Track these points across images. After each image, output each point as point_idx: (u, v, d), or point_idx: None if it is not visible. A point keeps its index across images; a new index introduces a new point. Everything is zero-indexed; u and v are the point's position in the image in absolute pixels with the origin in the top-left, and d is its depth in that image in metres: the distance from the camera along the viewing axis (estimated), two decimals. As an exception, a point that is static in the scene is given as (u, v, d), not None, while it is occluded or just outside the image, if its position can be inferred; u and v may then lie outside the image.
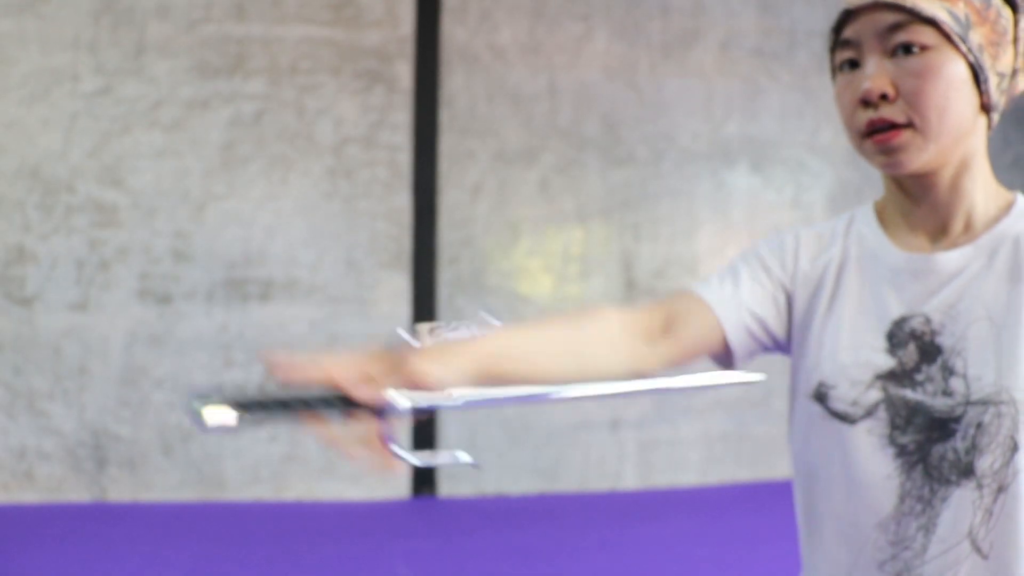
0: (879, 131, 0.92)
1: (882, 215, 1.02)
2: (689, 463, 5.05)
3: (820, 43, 5.28)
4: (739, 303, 1.01)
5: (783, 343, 1.05)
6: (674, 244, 5.06)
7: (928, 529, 0.90)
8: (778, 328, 1.04)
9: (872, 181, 5.37)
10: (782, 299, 1.03)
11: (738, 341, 1.02)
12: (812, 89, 5.24)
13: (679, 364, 1.02)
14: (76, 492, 4.46)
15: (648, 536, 4.03)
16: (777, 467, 5.16)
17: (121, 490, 4.49)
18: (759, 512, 4.48)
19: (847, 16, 0.94)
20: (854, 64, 0.94)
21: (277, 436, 4.62)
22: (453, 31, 4.85)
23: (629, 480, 4.96)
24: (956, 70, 0.90)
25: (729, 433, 5.09)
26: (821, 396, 0.98)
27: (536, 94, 4.92)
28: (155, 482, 4.52)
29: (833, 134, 5.27)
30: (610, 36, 5.01)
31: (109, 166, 4.53)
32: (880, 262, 0.98)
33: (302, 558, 3.68)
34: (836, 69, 0.97)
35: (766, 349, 1.06)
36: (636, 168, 5.02)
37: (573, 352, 0.96)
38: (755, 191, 5.17)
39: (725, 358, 1.04)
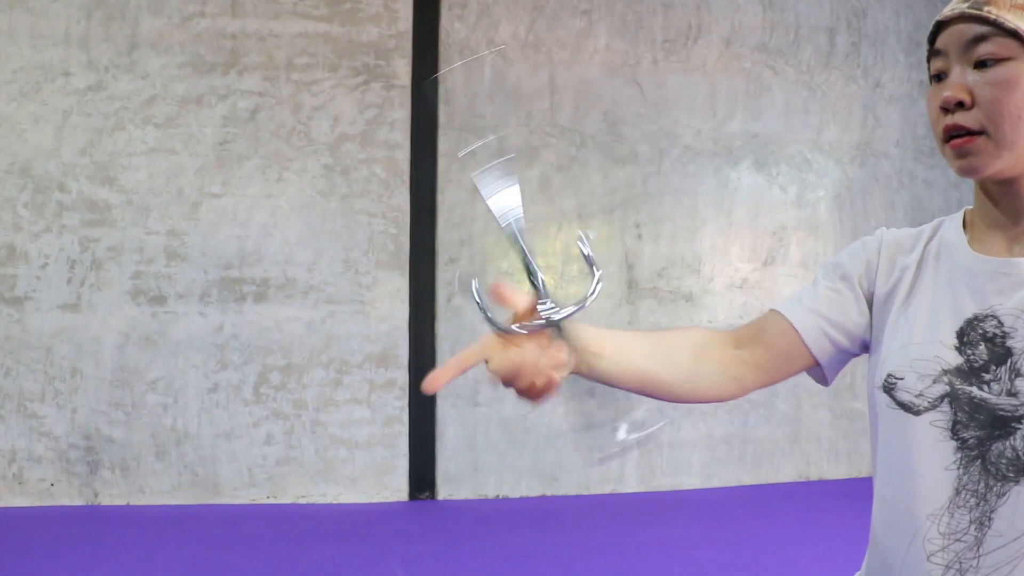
0: (955, 136, 0.96)
1: (969, 220, 1.06)
2: (691, 466, 4.99)
3: (825, 39, 5.22)
4: (813, 310, 1.08)
5: (864, 345, 1.10)
6: (676, 243, 5.00)
7: (983, 523, 0.92)
8: (860, 331, 1.08)
9: (880, 179, 5.31)
10: (863, 302, 1.08)
11: (817, 347, 1.08)
12: (817, 85, 5.18)
13: (770, 372, 1.10)
14: (68, 496, 4.40)
15: (650, 539, 3.98)
16: (780, 470, 5.11)
17: (114, 494, 4.43)
18: (762, 515, 4.44)
19: (938, 27, 0.99)
20: (944, 74, 0.99)
21: (273, 438, 4.56)
22: (452, 27, 4.79)
23: (631, 483, 4.91)
24: None
25: (732, 435, 5.04)
26: (889, 387, 1.01)
27: (536, 91, 4.86)
28: (148, 485, 4.46)
29: (838, 131, 5.21)
30: (611, 32, 4.95)
31: (101, 164, 4.47)
32: (958, 264, 1.02)
33: (298, 562, 3.64)
34: (931, 78, 1.01)
35: (851, 354, 1.11)
36: (638, 166, 4.96)
37: (676, 358, 1.09)
38: (759, 189, 5.11)
39: (815, 368, 1.11)
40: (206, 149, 4.55)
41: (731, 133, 5.07)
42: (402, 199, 4.70)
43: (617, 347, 1.07)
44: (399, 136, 4.70)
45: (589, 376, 1.07)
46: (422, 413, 4.68)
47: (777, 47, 5.15)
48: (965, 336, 0.97)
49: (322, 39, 4.66)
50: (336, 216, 4.64)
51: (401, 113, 4.70)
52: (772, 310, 1.11)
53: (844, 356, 1.10)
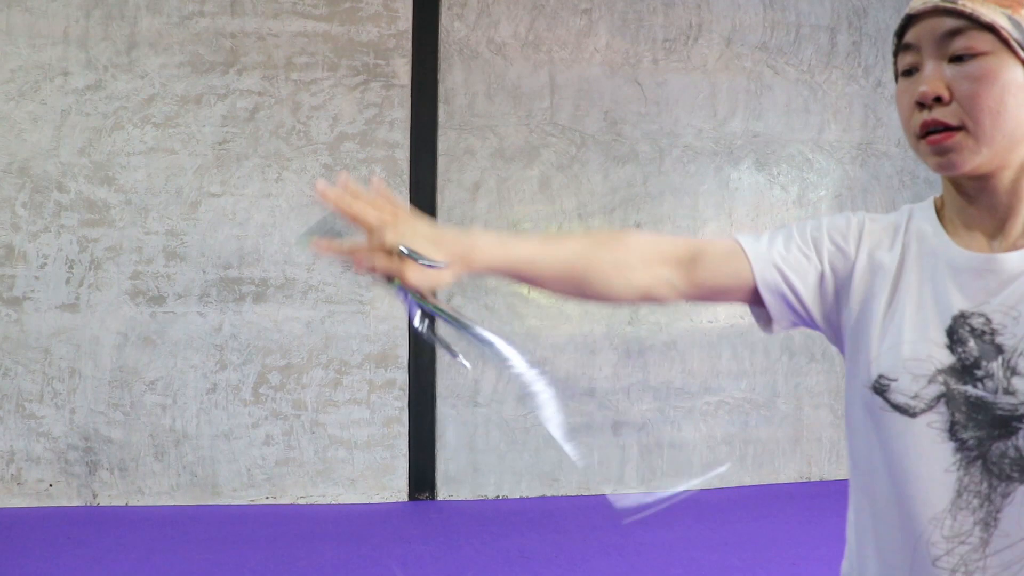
0: (933, 132, 0.94)
1: (940, 212, 1.03)
2: (692, 466, 4.97)
3: (826, 38, 5.20)
4: (776, 263, 1.04)
5: (812, 320, 1.06)
6: (677, 243, 4.98)
7: (988, 524, 0.90)
8: (811, 302, 1.04)
9: (881, 179, 5.29)
10: (829, 280, 1.04)
11: (770, 298, 1.04)
12: (818, 85, 5.16)
13: (699, 294, 1.07)
14: (66, 496, 4.39)
15: (650, 540, 3.96)
16: (782, 471, 5.09)
17: (112, 494, 4.42)
18: (763, 517, 4.42)
19: (908, 21, 0.98)
20: (914, 69, 0.97)
21: (272, 439, 4.55)
22: (452, 26, 4.77)
23: (631, 483, 4.89)
24: (1013, 75, 0.91)
25: (733, 436, 5.02)
26: (881, 389, 0.98)
27: (536, 90, 4.84)
28: (147, 486, 4.44)
29: (839, 131, 5.19)
30: (612, 30, 4.93)
31: (100, 163, 4.45)
32: (940, 259, 0.99)
33: (297, 563, 3.62)
34: (898, 73, 0.99)
35: (799, 318, 1.07)
36: (638, 165, 4.94)
37: (591, 259, 1.05)
38: (760, 189, 5.09)
39: (761, 313, 1.07)
40: (205, 149, 4.54)
41: (732, 132, 5.05)
42: (402, 198, 4.68)
43: (531, 252, 1.04)
44: (399, 136, 4.68)
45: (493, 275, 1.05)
46: (422, 413, 4.66)
47: (778, 46, 5.13)
48: (954, 334, 0.95)
49: (321, 38, 4.64)
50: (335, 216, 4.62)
51: (401, 113, 4.68)
52: (737, 242, 1.07)
53: (795, 318, 1.07)
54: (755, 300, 1.06)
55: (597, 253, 1.07)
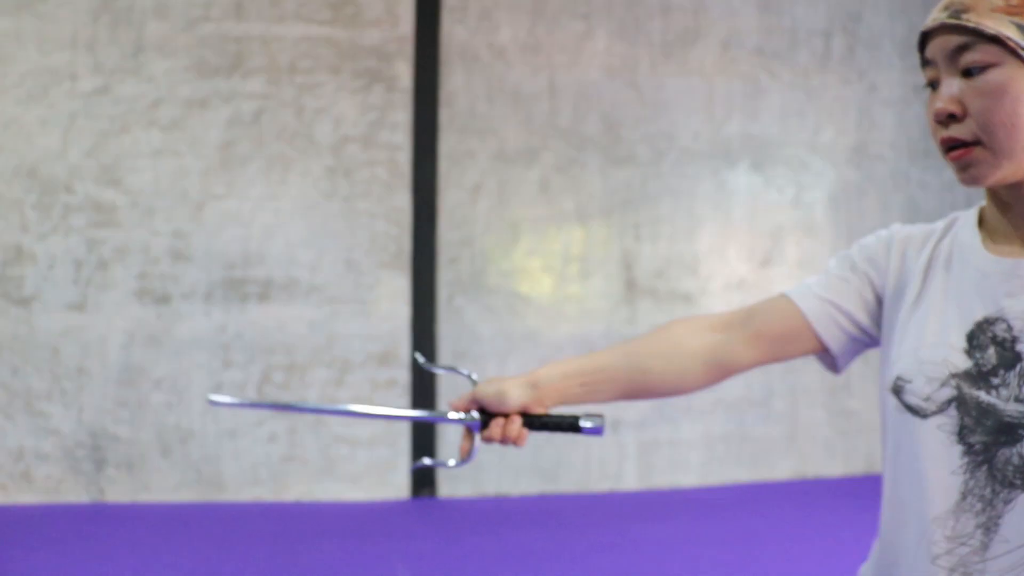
0: (953, 148, 0.95)
1: (982, 218, 1.04)
2: (690, 464, 5.02)
3: (821, 42, 5.26)
4: (821, 296, 1.10)
5: (873, 336, 1.10)
6: (675, 244, 5.03)
7: (989, 528, 0.91)
8: (868, 321, 1.09)
9: (875, 181, 5.33)
10: (870, 295, 1.09)
11: (826, 332, 1.09)
12: (813, 88, 5.22)
13: (764, 351, 1.13)
14: (74, 493, 4.44)
15: (649, 537, 4.00)
16: (778, 468, 5.14)
17: (119, 491, 4.47)
18: (760, 513, 4.45)
19: (925, 36, 0.98)
20: (936, 83, 0.98)
21: (276, 437, 4.60)
22: (453, 30, 4.83)
23: (630, 481, 4.94)
24: None
25: (730, 433, 5.07)
26: (898, 389, 1.00)
27: (536, 93, 4.90)
28: (154, 483, 4.50)
29: (834, 133, 5.25)
30: (610, 35, 4.99)
31: (107, 166, 4.51)
32: (969, 264, 1.00)
33: (301, 559, 3.66)
34: (927, 85, 1.01)
35: (863, 343, 1.11)
36: (637, 168, 4.99)
37: (657, 352, 1.15)
38: (756, 191, 5.14)
39: (824, 354, 1.12)
40: (210, 151, 4.59)
41: (728, 135, 5.11)
42: (403, 200, 4.74)
43: (585, 380, 1.16)
44: (401, 138, 4.74)
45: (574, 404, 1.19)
46: (423, 412, 4.70)
47: (774, 50, 5.18)
48: (975, 339, 0.95)
49: (325, 43, 4.69)
50: (338, 217, 4.68)
51: (403, 115, 4.74)
52: (781, 294, 1.13)
53: (855, 345, 1.10)
54: (819, 346, 1.10)
55: (648, 349, 1.17)
